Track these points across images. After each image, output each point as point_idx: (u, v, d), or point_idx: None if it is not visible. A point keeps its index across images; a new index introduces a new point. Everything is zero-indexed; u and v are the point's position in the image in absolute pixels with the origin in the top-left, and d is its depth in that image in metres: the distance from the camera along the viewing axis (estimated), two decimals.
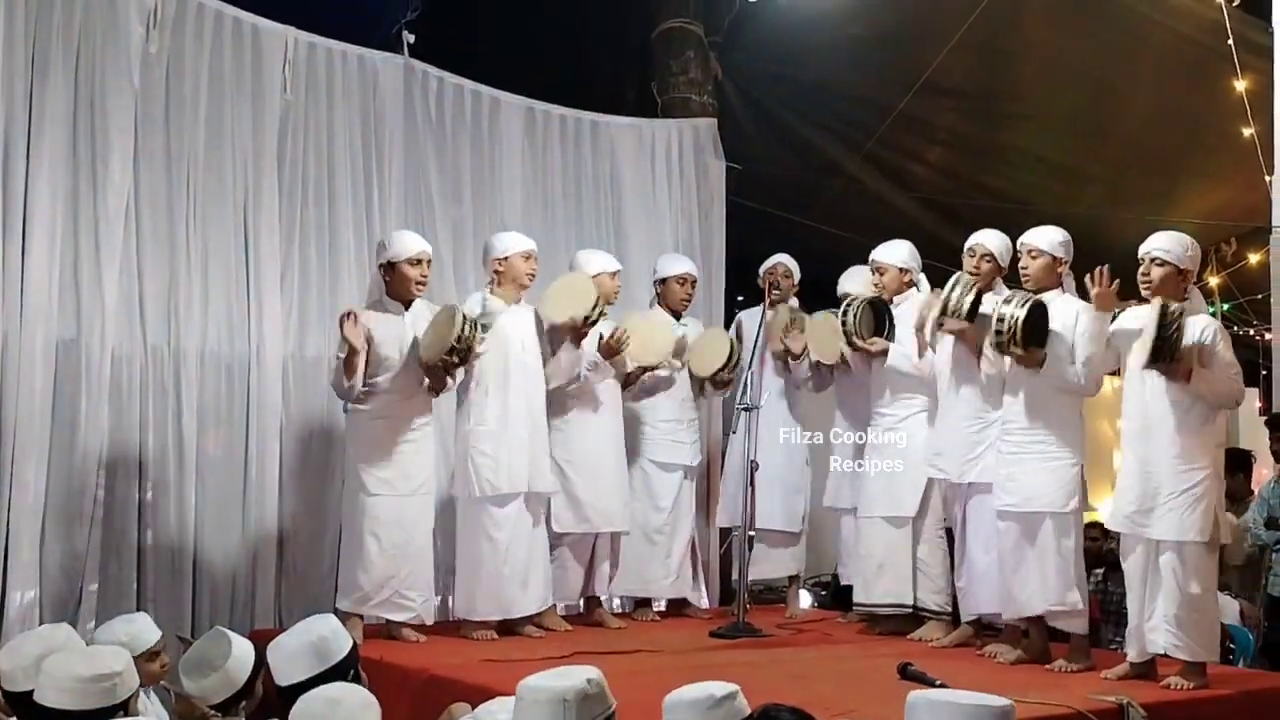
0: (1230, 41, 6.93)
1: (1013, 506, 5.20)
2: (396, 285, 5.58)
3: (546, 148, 7.23)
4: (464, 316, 5.44)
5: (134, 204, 5.64)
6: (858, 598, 6.13)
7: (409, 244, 5.63)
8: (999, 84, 8.26)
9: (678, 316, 6.59)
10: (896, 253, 6.07)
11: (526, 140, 7.13)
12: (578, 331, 5.86)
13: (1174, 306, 4.72)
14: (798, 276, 6.81)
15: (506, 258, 5.85)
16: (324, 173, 6.31)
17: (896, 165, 8.86)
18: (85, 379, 5.44)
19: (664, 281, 6.63)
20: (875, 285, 6.06)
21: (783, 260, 6.82)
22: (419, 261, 5.59)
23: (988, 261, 5.57)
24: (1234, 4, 6.88)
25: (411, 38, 6.61)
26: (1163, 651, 4.77)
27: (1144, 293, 4.94)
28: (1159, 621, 4.74)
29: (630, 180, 7.50)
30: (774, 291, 6.57)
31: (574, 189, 7.33)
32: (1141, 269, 4.91)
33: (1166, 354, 4.68)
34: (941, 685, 4.06)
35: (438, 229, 6.63)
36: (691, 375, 6.58)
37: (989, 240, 5.61)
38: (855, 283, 6.41)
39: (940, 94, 8.07)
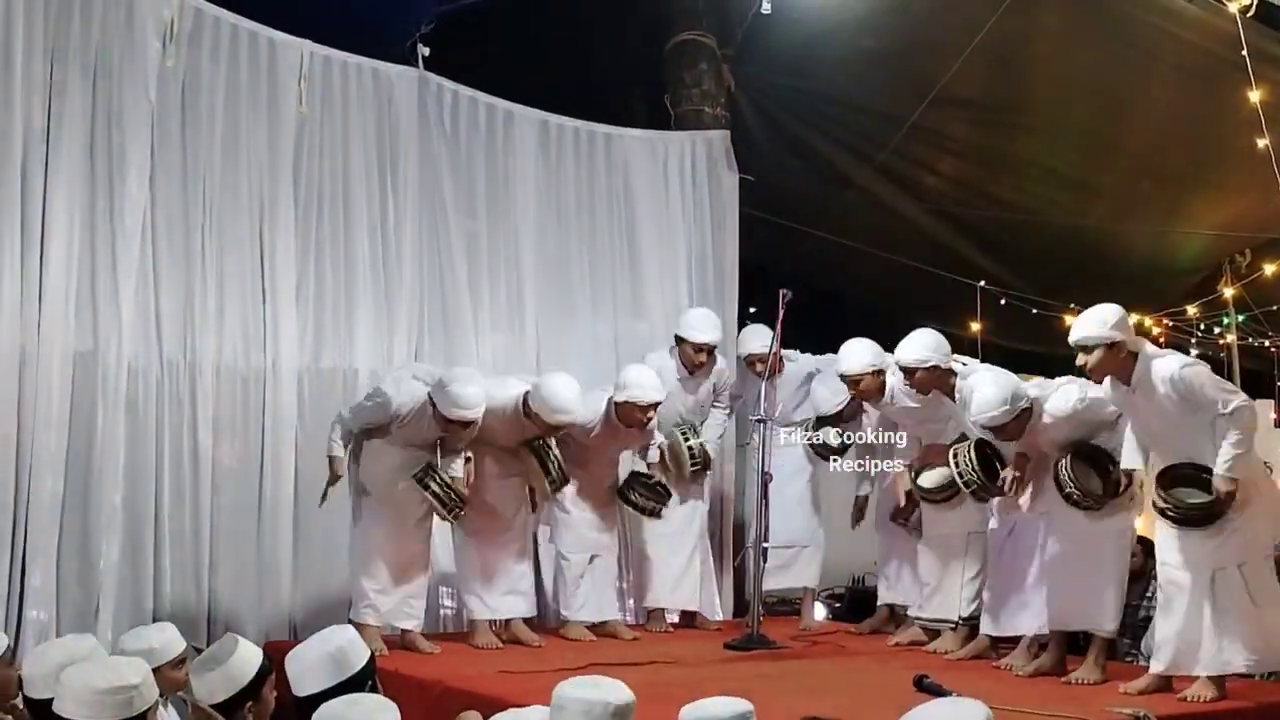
0: (1244, 53, 6.90)
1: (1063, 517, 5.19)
2: (441, 427, 5.56)
3: (560, 160, 7.25)
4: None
5: (150, 218, 5.68)
6: (914, 612, 6.11)
7: (463, 410, 5.44)
8: (1011, 95, 8.25)
9: (691, 372, 6.56)
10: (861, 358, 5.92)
11: (540, 153, 7.15)
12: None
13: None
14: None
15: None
16: (339, 185, 6.34)
17: (908, 176, 8.85)
18: (102, 391, 5.47)
19: (681, 341, 6.58)
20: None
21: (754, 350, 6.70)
22: (468, 424, 5.50)
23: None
24: (1248, 15, 6.86)
25: (426, 51, 6.64)
26: (1242, 671, 4.74)
27: (1094, 381, 4.95)
28: (1229, 641, 4.68)
29: (643, 192, 7.50)
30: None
31: (587, 201, 7.34)
32: (1078, 360, 4.86)
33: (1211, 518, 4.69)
34: (957, 697, 4.04)
35: (452, 241, 6.65)
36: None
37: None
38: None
39: (952, 105, 8.07)
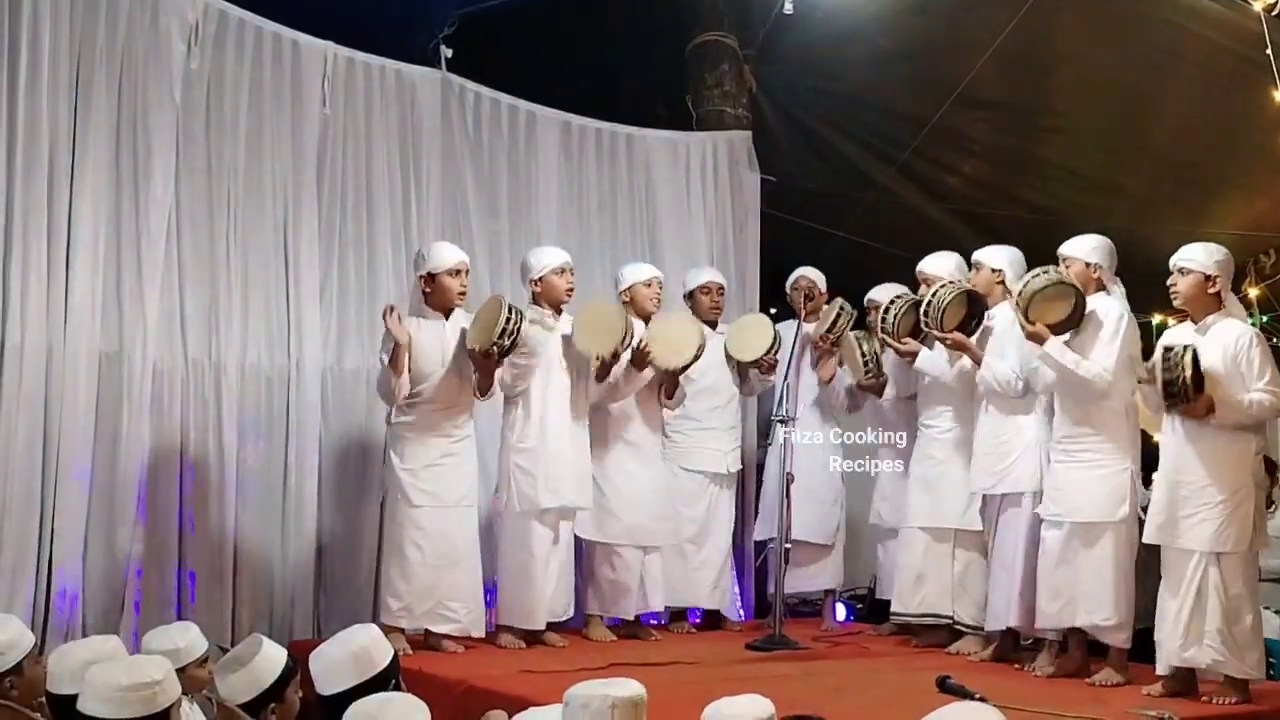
0: (1268, 52, 6.87)
1: (1060, 516, 5.17)
2: (437, 296, 5.69)
3: (582, 161, 7.27)
4: (509, 305, 5.52)
5: (175, 219, 5.71)
6: (895, 608, 6.12)
7: (448, 256, 5.74)
8: (1033, 96, 8.22)
9: (713, 325, 6.58)
10: (944, 265, 6.09)
11: (562, 154, 7.17)
12: (603, 365, 5.88)
13: (1176, 348, 4.67)
14: (824, 286, 6.83)
15: (541, 277, 5.90)
16: (362, 186, 6.36)
17: (930, 177, 8.82)
18: (127, 392, 5.50)
19: (691, 295, 6.65)
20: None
21: (806, 273, 6.85)
22: (459, 272, 5.71)
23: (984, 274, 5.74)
24: (1273, 14, 6.83)
25: (449, 52, 6.66)
26: (1206, 666, 4.72)
27: (1175, 304, 4.93)
28: (1201, 636, 4.69)
29: (665, 193, 7.52)
30: (808, 303, 6.61)
31: (609, 202, 7.36)
32: (1169, 280, 4.90)
33: (1179, 397, 4.66)
34: (981, 699, 4.04)
35: (474, 242, 6.67)
36: (733, 361, 6.56)
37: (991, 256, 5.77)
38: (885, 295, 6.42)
39: (974, 106, 8.04)
